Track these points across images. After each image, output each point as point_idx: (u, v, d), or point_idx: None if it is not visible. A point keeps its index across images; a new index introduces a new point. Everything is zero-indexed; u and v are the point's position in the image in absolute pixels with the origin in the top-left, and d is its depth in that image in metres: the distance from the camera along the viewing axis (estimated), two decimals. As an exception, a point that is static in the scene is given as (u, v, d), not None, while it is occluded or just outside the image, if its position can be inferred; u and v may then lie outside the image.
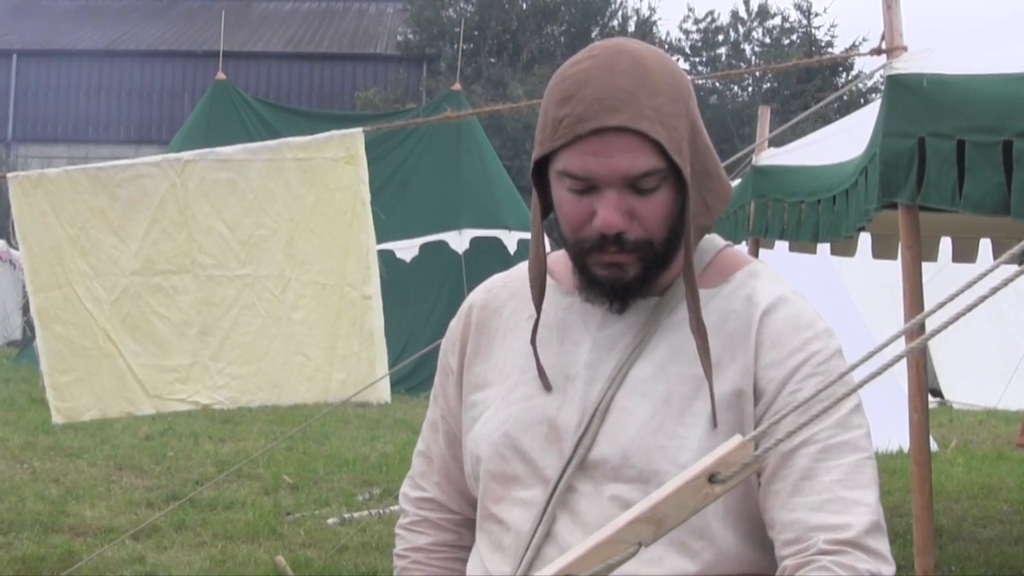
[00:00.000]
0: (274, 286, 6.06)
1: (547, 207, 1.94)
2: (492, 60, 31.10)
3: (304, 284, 6.09)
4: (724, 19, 33.45)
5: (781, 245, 6.89)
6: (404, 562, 2.22)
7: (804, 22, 32.61)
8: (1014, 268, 1.55)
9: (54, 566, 6.96)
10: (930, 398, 11.05)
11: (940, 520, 8.15)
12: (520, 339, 2.00)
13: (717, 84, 31.85)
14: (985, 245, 7.17)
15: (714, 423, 1.82)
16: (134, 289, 5.94)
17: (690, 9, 46.17)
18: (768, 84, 31.95)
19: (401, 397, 12.35)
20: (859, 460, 1.80)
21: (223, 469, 9.19)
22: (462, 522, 2.18)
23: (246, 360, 6.09)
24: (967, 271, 6.45)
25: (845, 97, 23.46)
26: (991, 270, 1.55)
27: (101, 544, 7.18)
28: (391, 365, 6.46)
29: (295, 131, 9.11)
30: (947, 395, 15.01)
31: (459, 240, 15.84)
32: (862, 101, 25.17)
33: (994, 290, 1.50)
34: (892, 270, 5.43)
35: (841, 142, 5.70)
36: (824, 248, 6.77)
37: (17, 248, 6.78)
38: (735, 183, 6.46)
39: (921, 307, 4.38)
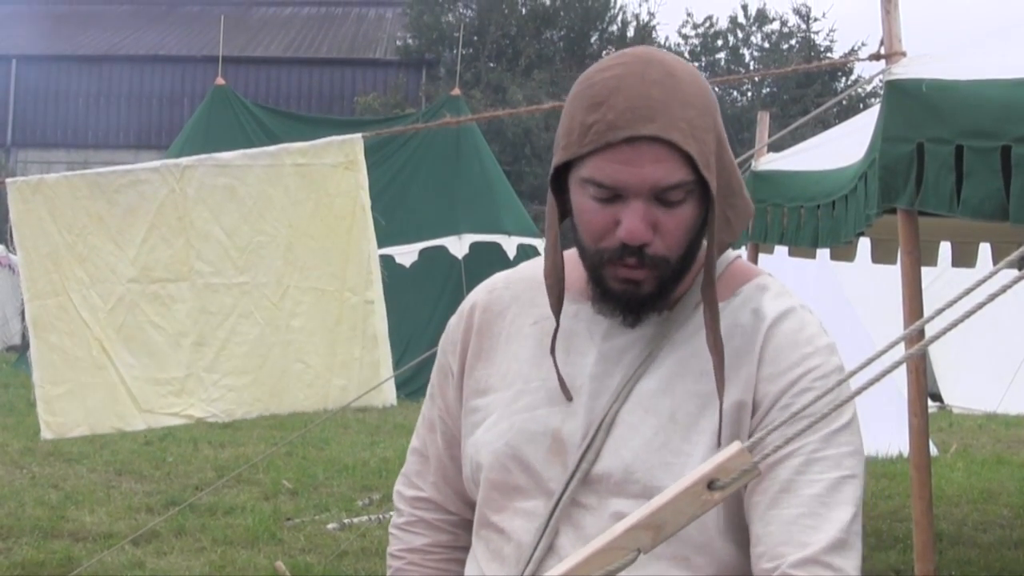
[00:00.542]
0: (272, 293, 6.05)
1: (562, 213, 1.91)
2: (491, 65, 31.11)
3: (303, 291, 6.08)
4: (723, 24, 33.50)
5: (780, 250, 6.89)
6: (400, 563, 2.20)
7: (803, 27, 32.65)
8: (1014, 273, 1.55)
9: (53, 571, 6.96)
10: (930, 403, 11.07)
11: (940, 525, 8.15)
12: (524, 346, 1.98)
13: (716, 89, 31.72)
14: (984, 249, 7.17)
15: (718, 442, 1.81)
16: (130, 297, 5.92)
17: (689, 14, 46.05)
18: (767, 89, 31.98)
19: (401, 402, 12.29)
20: (841, 477, 1.78)
21: (223, 474, 9.18)
22: (458, 523, 2.16)
23: (242, 371, 6.07)
24: (967, 275, 6.46)
25: (844, 102, 23.45)
26: (990, 275, 1.55)
27: (101, 549, 7.18)
28: (392, 369, 6.45)
29: (294, 136, 9.11)
30: (947, 399, 15.00)
31: (459, 245, 15.85)
32: (861, 106, 25.19)
33: (993, 296, 1.50)
34: (892, 275, 5.43)
35: (840, 147, 5.70)
36: (824, 253, 6.77)
37: (16, 253, 6.77)
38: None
39: (921, 312, 4.38)
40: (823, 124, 16.20)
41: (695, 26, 33.41)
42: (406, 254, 15.28)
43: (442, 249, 15.79)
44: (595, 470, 1.85)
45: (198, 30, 33.19)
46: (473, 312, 2.06)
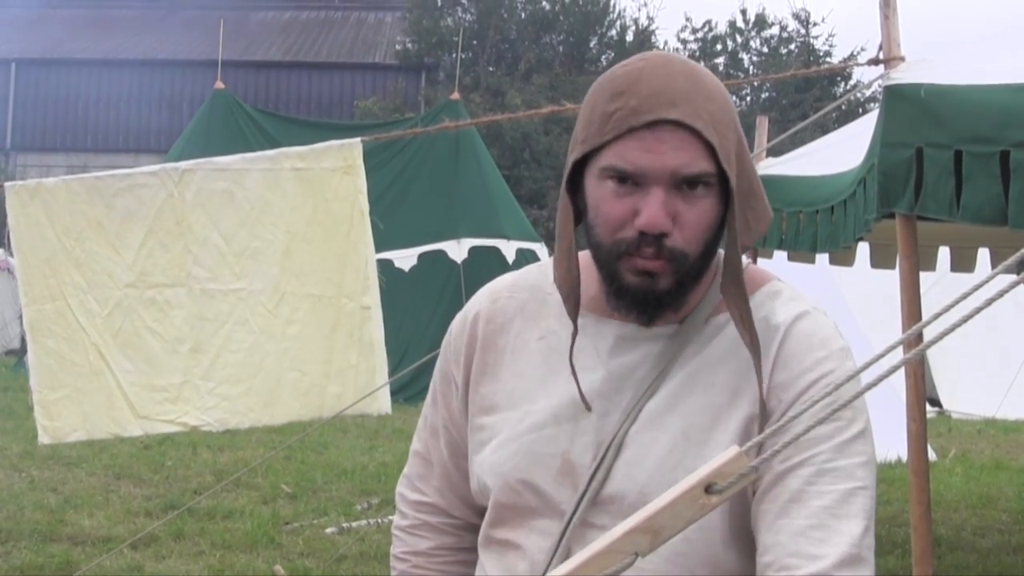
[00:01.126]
0: (268, 300, 6.03)
1: (575, 217, 1.88)
2: (491, 69, 31.12)
3: (300, 297, 6.07)
4: (722, 28, 33.50)
5: (780, 255, 6.89)
6: (404, 566, 2.18)
7: (802, 31, 32.64)
8: (1012, 278, 1.55)
9: (52, 575, 6.96)
10: (928, 408, 11.06)
11: (939, 530, 8.15)
12: (530, 362, 1.95)
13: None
14: (983, 255, 7.18)
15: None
16: (127, 303, 5.91)
17: (688, 18, 46.11)
18: (766, 94, 31.99)
19: (400, 407, 12.32)
20: (852, 489, 1.75)
21: (221, 478, 9.17)
22: (463, 526, 2.14)
23: (237, 379, 6.05)
24: (965, 281, 6.46)
25: (843, 107, 23.47)
26: (988, 280, 1.55)
27: (99, 553, 7.17)
28: (389, 375, 6.43)
29: (294, 140, 9.13)
30: (946, 405, 15.01)
31: (457, 249, 15.84)
32: (860, 111, 25.21)
33: (990, 300, 1.50)
34: (891, 280, 5.43)
35: (839, 152, 5.71)
36: (823, 258, 6.77)
37: (14, 257, 6.76)
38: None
39: (919, 317, 4.38)
40: (822, 129, 16.22)
41: (694, 30, 33.40)
42: (405, 258, 15.28)
43: (441, 253, 15.79)
44: (606, 491, 1.83)
45: (197, 34, 33.16)
46: (477, 322, 2.02)
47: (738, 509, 1.81)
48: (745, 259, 1.94)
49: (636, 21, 33.17)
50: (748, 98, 32.24)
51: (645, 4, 55.68)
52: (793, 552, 1.71)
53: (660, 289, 1.80)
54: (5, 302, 21.69)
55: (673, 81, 1.75)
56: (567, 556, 1.82)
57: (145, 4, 35.97)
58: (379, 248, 6.39)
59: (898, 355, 1.64)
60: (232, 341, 6.01)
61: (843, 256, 6.68)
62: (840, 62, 28.77)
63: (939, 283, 9.43)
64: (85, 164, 28.11)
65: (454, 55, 25.57)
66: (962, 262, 7.21)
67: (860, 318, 11.35)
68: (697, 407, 1.83)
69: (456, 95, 16.50)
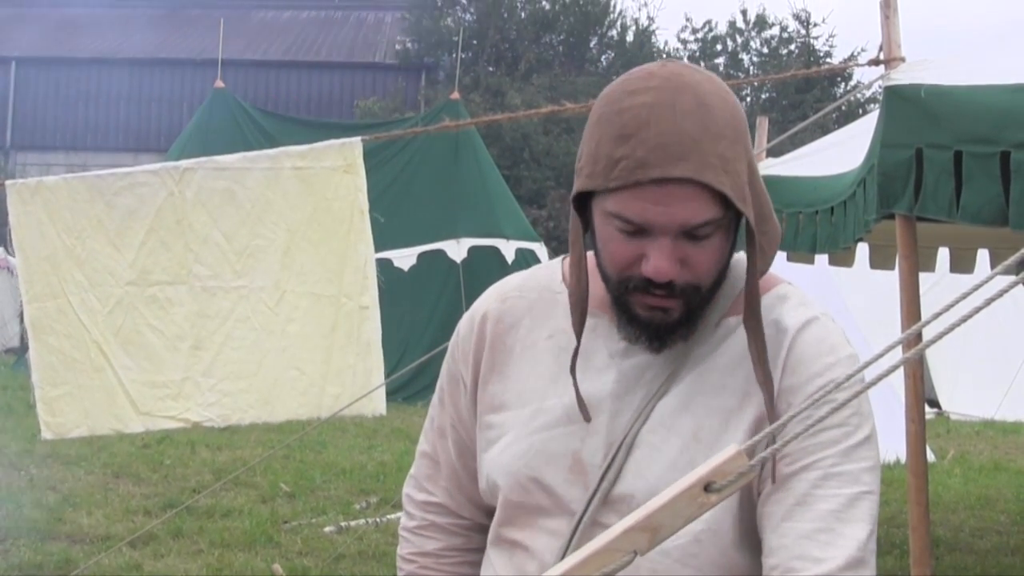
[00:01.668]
0: (269, 298, 6.03)
1: (584, 223, 1.86)
2: (491, 69, 31.10)
3: (300, 296, 6.07)
4: (722, 29, 33.48)
5: (779, 255, 6.87)
6: (412, 567, 2.17)
7: (802, 32, 32.62)
8: (1011, 278, 1.55)
9: (51, 573, 6.96)
10: (927, 409, 11.07)
11: (937, 531, 8.16)
12: (540, 361, 1.95)
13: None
14: (983, 256, 7.18)
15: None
16: (128, 300, 5.91)
17: (688, 19, 46.06)
18: (766, 94, 31.97)
19: (398, 406, 12.33)
20: (858, 493, 1.76)
21: (220, 477, 9.17)
22: (471, 526, 2.14)
23: (238, 376, 6.06)
24: (965, 281, 6.46)
25: (843, 107, 23.47)
26: (987, 280, 1.55)
27: (98, 552, 7.17)
28: (388, 374, 6.43)
29: (294, 140, 9.12)
30: (944, 406, 15.01)
31: (457, 249, 15.84)
32: (860, 111, 25.20)
33: (989, 300, 1.50)
34: (890, 280, 5.43)
35: (839, 153, 5.71)
36: (822, 259, 6.77)
37: (15, 256, 6.76)
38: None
39: (918, 317, 4.38)
40: (822, 129, 16.22)
41: (694, 31, 33.36)
42: (404, 258, 15.28)
43: (440, 253, 15.79)
44: (616, 491, 1.83)
45: (197, 33, 33.16)
46: (485, 322, 2.01)
47: (748, 511, 1.81)
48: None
49: (636, 21, 33.14)
50: (748, 99, 32.23)
51: (645, 4, 55.58)
52: (798, 555, 1.72)
53: (672, 320, 1.81)
54: (4, 300, 21.69)
55: (681, 125, 1.69)
56: None
57: (146, 3, 35.95)
58: (378, 247, 6.39)
59: (897, 355, 1.64)
60: (233, 338, 6.01)
61: (843, 257, 6.67)
62: (840, 63, 28.76)
63: (939, 284, 9.44)
64: (85, 163, 28.08)
65: (454, 55, 25.55)
66: (962, 263, 7.21)
67: (860, 319, 11.35)
68: (708, 409, 1.83)
69: (456, 95, 16.51)
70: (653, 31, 32.77)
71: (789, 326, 1.85)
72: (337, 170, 6.05)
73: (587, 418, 1.86)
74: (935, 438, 12.44)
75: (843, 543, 1.72)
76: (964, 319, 1.53)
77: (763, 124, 7.49)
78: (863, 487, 1.77)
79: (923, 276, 4.86)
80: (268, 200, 6.01)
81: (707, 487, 1.50)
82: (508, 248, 15.93)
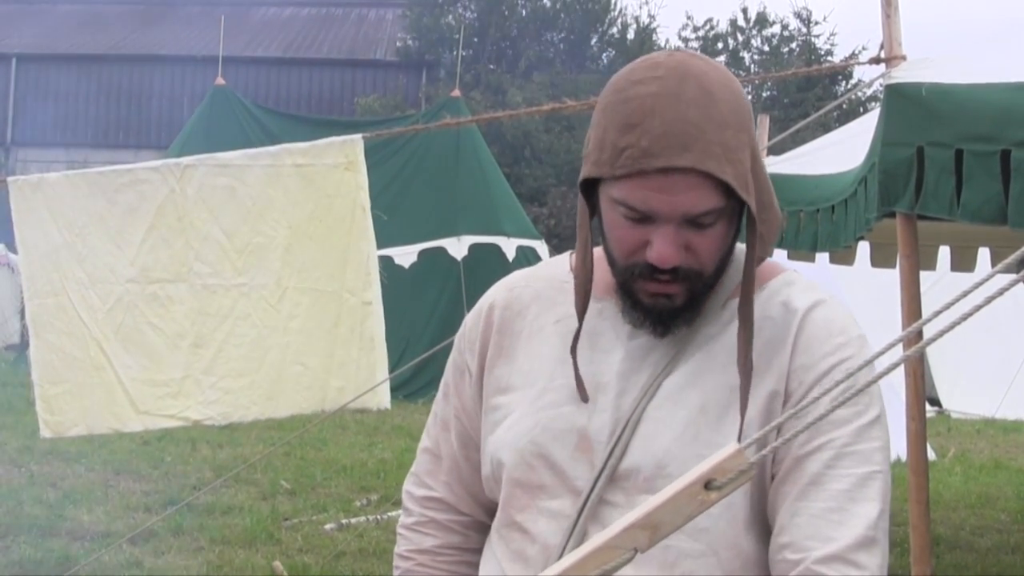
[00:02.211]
0: (270, 295, 6.03)
1: (591, 209, 1.89)
2: (491, 67, 31.11)
3: (301, 292, 6.07)
4: (723, 27, 33.47)
5: (780, 254, 6.88)
6: (408, 564, 2.16)
7: (804, 30, 32.62)
8: (1011, 277, 1.55)
9: (51, 570, 6.96)
10: (928, 407, 11.06)
11: (937, 529, 8.16)
12: (547, 344, 1.97)
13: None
14: (984, 254, 7.18)
15: (739, 439, 1.79)
16: (129, 298, 5.90)
17: (689, 17, 45.95)
18: (768, 92, 31.97)
19: (399, 403, 12.34)
20: (870, 472, 1.78)
21: (221, 474, 9.17)
22: (470, 524, 2.14)
23: (239, 373, 6.05)
24: (966, 280, 6.46)
25: (844, 106, 23.48)
26: (987, 279, 1.56)
27: (98, 548, 7.17)
28: (390, 371, 6.44)
29: (294, 137, 9.11)
30: (945, 404, 15.01)
31: (458, 247, 15.85)
32: (861, 110, 25.20)
33: (990, 299, 1.50)
34: (891, 279, 5.43)
35: (840, 151, 5.71)
36: (823, 257, 6.77)
37: (16, 252, 6.76)
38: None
39: (919, 316, 4.38)
40: (823, 128, 16.23)
41: (695, 29, 33.36)
42: (405, 255, 15.29)
43: (441, 250, 15.79)
44: (623, 466, 1.84)
45: (198, 30, 33.15)
46: (492, 310, 2.04)
47: (760, 492, 1.83)
48: None
49: (637, 19, 33.19)
50: (749, 97, 32.06)
51: (646, 2, 55.58)
52: (811, 534, 1.75)
53: (676, 306, 1.84)
54: (4, 297, 21.69)
55: (685, 115, 1.72)
56: (583, 536, 1.83)
57: (146, 0, 35.95)
58: (379, 245, 6.39)
59: (898, 353, 1.64)
60: (234, 336, 6.01)
61: (843, 255, 6.67)
62: (841, 61, 28.72)
63: (939, 282, 9.42)
64: (85, 160, 28.12)
65: (455, 52, 25.54)
66: (962, 261, 7.21)
67: (860, 317, 11.31)
68: (715, 385, 1.85)
69: (457, 92, 16.52)
70: (654, 29, 32.80)
71: (799, 307, 1.88)
72: (338, 167, 6.05)
73: (584, 399, 1.88)
74: (936, 436, 12.44)
75: (854, 522, 1.74)
76: (965, 317, 1.53)
77: (764, 122, 7.49)
78: (874, 466, 1.79)
79: (924, 274, 4.85)
80: (269, 197, 6.00)
81: (707, 485, 1.50)
82: (509, 246, 15.93)
